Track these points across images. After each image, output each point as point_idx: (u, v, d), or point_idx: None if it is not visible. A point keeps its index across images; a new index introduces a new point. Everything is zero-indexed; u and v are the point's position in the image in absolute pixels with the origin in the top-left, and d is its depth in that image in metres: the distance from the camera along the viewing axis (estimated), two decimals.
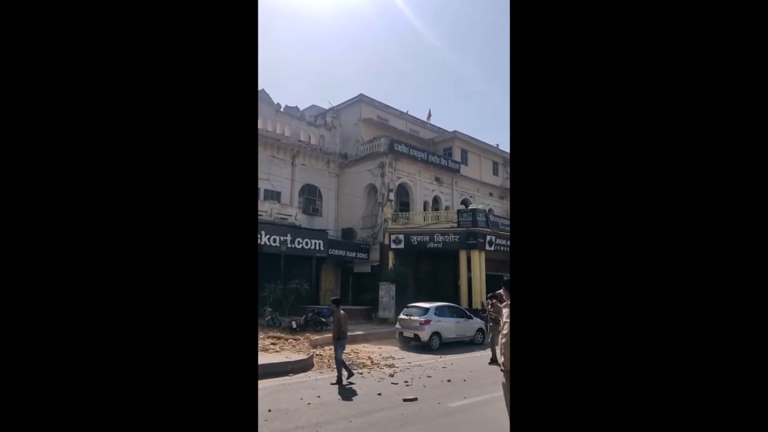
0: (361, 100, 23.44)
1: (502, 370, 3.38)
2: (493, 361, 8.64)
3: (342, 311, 7.30)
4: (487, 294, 16.15)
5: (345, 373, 6.88)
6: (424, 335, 10.59)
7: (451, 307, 11.99)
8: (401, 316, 11.51)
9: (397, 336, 11.28)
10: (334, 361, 8.88)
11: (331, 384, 6.62)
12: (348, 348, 8.82)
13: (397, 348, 10.74)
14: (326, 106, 24.53)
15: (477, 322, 12.08)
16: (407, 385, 6.59)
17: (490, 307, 8.45)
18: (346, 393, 6.10)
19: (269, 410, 5.01)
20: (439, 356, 9.62)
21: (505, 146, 27.42)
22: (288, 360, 7.95)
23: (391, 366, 8.35)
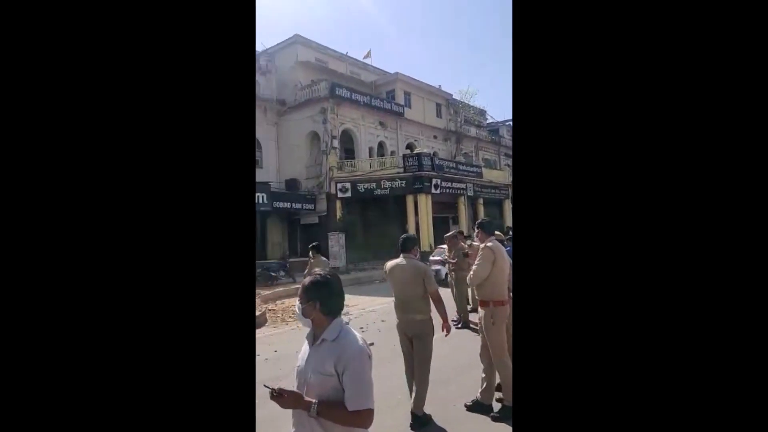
0: (296, 41, 21.93)
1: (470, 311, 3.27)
2: (461, 321, 6.74)
3: (323, 258, 7.07)
4: (435, 237, 16.58)
5: None
6: None
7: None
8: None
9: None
10: (287, 314, 8.70)
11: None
12: None
13: (349, 295, 10.84)
14: (258, 48, 22.74)
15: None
16: (362, 331, 6.64)
17: (449, 251, 7.19)
18: None
19: None
20: (392, 299, 9.78)
21: (447, 87, 27.03)
22: None
23: (345, 314, 8.41)
